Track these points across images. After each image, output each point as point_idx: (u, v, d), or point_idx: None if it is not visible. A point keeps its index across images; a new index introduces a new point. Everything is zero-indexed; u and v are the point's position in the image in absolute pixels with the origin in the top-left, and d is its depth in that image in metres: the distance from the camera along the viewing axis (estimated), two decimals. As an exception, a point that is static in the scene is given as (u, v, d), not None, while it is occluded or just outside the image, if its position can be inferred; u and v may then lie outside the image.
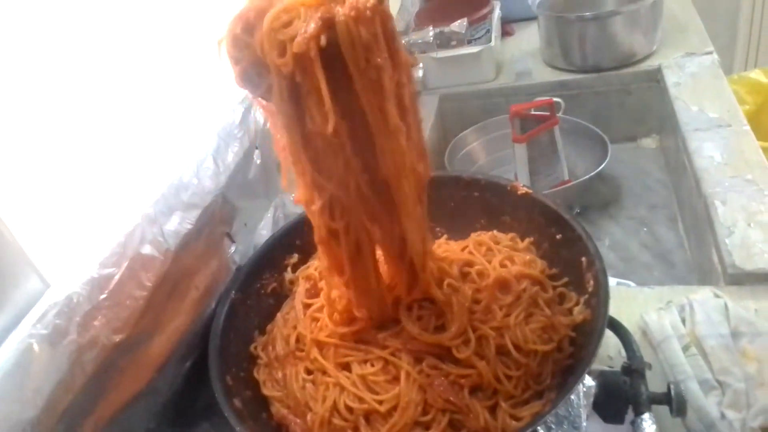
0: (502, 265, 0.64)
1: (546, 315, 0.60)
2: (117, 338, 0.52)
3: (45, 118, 0.54)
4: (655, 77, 1.30)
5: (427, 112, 1.42)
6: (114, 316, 0.52)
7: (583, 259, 0.62)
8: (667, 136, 1.29)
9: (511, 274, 0.62)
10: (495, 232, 0.72)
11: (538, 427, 0.57)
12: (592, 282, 0.60)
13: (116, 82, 0.62)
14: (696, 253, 1.04)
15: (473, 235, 0.71)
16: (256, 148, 0.78)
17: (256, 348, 0.66)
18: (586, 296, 0.61)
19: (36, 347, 0.46)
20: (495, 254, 0.66)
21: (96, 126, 0.59)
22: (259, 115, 0.79)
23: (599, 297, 0.58)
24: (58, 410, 0.46)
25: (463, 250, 0.68)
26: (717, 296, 0.78)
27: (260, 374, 0.65)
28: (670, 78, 1.24)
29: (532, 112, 1.18)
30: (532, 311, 0.61)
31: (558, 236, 0.66)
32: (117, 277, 0.53)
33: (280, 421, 0.61)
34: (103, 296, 0.52)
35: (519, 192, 0.70)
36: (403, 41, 1.28)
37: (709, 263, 0.91)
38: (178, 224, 0.62)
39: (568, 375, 0.57)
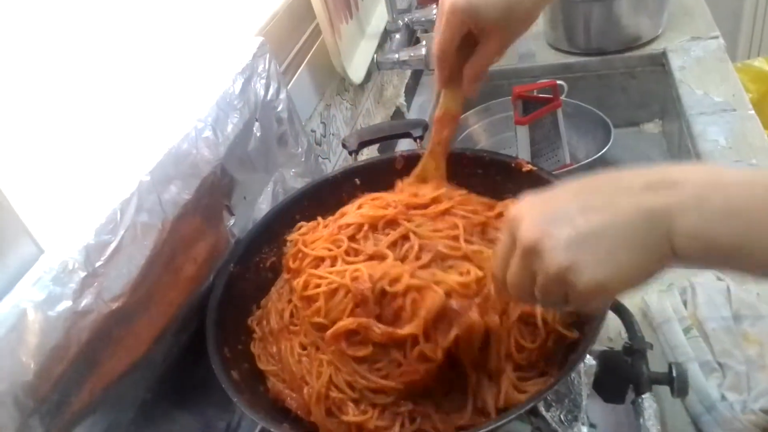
0: None
1: None
2: (113, 306, 0.51)
3: (42, 81, 0.53)
4: (660, 61, 1.29)
5: (429, 93, 1.41)
6: (110, 284, 0.51)
7: (588, 236, 0.60)
8: (670, 121, 1.28)
9: None
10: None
11: (539, 405, 0.57)
12: (597, 260, 0.59)
13: (116, 45, 0.61)
14: (697, 238, 1.03)
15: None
16: (256, 120, 0.77)
17: (252, 322, 0.65)
18: (591, 274, 0.60)
19: (30, 313, 0.45)
20: None
21: (94, 90, 0.58)
22: (259, 87, 0.78)
23: (604, 275, 0.57)
24: (52, 377, 0.45)
25: (496, 216, 0.66)
26: (719, 279, 0.77)
27: (255, 348, 0.64)
28: (675, 62, 1.23)
29: (535, 94, 1.17)
30: None
31: (563, 214, 0.65)
32: (113, 245, 0.52)
33: (275, 396, 0.60)
34: (99, 263, 0.50)
35: (524, 169, 0.69)
36: (406, 19, 1.26)
37: (711, 247, 0.90)
38: (176, 194, 0.60)
39: (570, 353, 0.56)
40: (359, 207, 0.64)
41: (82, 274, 0.49)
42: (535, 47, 1.44)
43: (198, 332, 0.62)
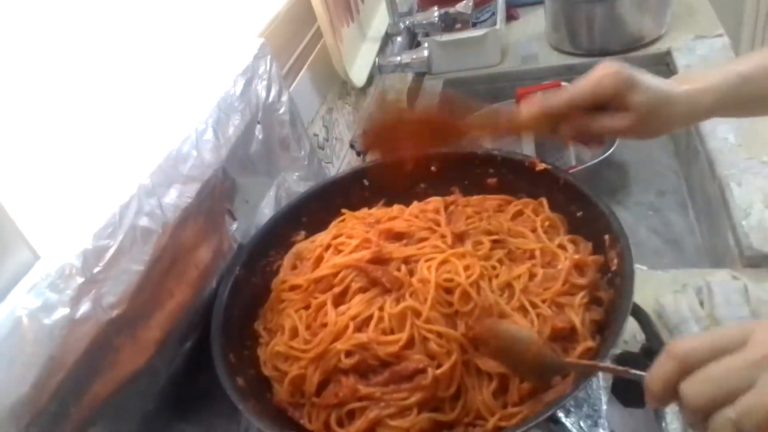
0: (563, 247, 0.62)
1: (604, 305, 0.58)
2: (112, 314, 0.49)
3: (38, 84, 0.51)
4: (664, 61, 1.27)
5: (431, 96, 1.39)
6: (109, 290, 0.49)
7: (607, 237, 0.59)
8: (676, 121, 1.27)
9: (589, 259, 0.60)
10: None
11: (558, 411, 0.54)
12: (616, 260, 0.57)
13: (115, 47, 0.59)
14: (708, 237, 1.01)
15: (531, 203, 0.68)
16: (258, 123, 0.75)
17: (259, 326, 0.63)
18: (609, 275, 0.58)
19: (26, 321, 0.43)
20: (559, 234, 0.64)
21: (92, 92, 0.56)
22: (261, 89, 0.76)
23: (624, 276, 0.55)
24: (50, 387, 0.43)
25: (514, 218, 0.66)
26: (735, 278, 0.75)
27: (262, 353, 0.62)
28: (681, 61, 1.21)
29: (540, 95, 1.15)
30: (595, 296, 0.58)
31: (579, 214, 0.63)
32: (112, 250, 0.50)
33: (279, 405, 0.58)
34: (97, 269, 0.48)
35: (537, 168, 0.67)
36: (407, 22, 1.25)
37: (724, 247, 0.88)
38: (176, 197, 0.59)
39: (590, 356, 0.54)
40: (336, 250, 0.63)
41: (80, 280, 0.47)
42: (537, 49, 1.42)
43: (201, 340, 0.60)
